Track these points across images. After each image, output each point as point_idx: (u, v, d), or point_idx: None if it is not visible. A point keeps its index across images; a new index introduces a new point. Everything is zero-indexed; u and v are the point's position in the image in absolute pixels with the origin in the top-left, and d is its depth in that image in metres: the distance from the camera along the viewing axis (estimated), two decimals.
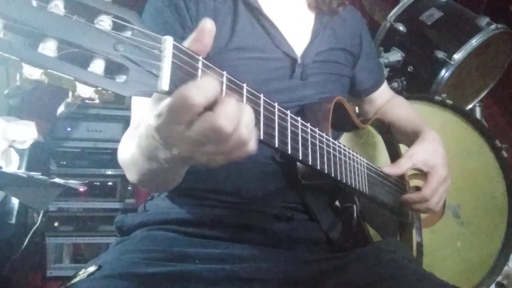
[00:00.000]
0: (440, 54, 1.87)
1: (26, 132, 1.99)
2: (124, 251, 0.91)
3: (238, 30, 1.04)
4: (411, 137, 1.25)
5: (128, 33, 0.49)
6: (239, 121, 0.57)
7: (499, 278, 1.81)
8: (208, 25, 0.57)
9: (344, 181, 0.96)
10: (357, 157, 1.04)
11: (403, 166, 1.16)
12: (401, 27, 2.01)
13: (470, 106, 2.19)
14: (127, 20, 0.49)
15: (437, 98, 1.68)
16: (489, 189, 1.70)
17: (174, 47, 0.53)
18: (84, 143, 2.27)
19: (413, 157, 1.16)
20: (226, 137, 0.57)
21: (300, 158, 0.80)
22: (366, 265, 0.94)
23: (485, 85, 2.20)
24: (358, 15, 1.33)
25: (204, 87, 0.53)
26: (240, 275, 0.88)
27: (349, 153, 0.99)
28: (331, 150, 0.91)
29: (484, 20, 1.91)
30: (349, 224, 1.07)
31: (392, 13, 2.06)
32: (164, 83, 0.52)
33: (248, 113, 0.59)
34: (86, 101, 0.46)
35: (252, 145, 0.62)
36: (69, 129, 2.26)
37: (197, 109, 0.54)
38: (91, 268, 0.83)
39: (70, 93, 0.45)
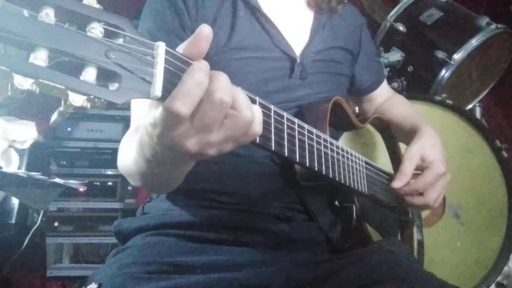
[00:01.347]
0: (440, 54, 1.87)
1: (26, 132, 2.00)
2: (123, 264, 0.90)
3: (238, 29, 1.04)
4: (409, 135, 1.23)
5: (120, 40, 0.49)
6: (234, 95, 0.57)
7: (499, 278, 1.80)
8: (205, 31, 0.56)
9: (343, 182, 0.96)
10: (355, 157, 1.03)
11: (408, 171, 1.12)
12: (401, 27, 2.00)
13: (470, 106, 2.19)
14: (119, 27, 0.49)
15: (437, 98, 1.67)
16: (489, 189, 1.70)
17: (167, 52, 0.53)
18: (84, 143, 2.27)
19: (413, 157, 1.13)
20: (227, 107, 0.56)
21: (297, 160, 0.79)
22: (367, 265, 0.94)
23: (485, 85, 2.19)
24: (357, 13, 1.32)
25: (187, 93, 0.53)
26: (242, 282, 0.87)
27: (347, 153, 0.99)
28: (329, 151, 0.91)
29: (484, 20, 1.90)
30: (348, 224, 1.07)
31: (392, 13, 2.06)
32: (157, 89, 0.52)
33: (241, 92, 0.60)
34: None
35: (257, 125, 0.62)
36: (69, 129, 2.25)
37: (187, 117, 0.54)
38: (92, 286, 0.83)
39: (62, 102, 0.44)
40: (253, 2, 1.06)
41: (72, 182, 1.62)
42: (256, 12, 1.07)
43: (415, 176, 1.16)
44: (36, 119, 2.08)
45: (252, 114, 0.59)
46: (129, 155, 0.79)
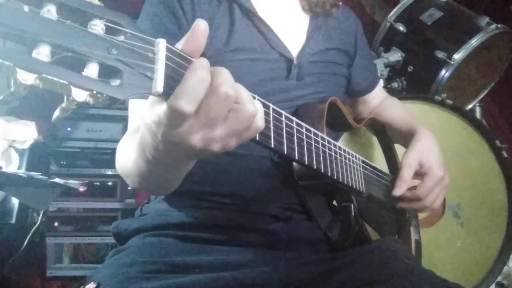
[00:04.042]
0: (440, 54, 1.87)
1: (26, 132, 1.99)
2: (122, 264, 0.91)
3: (235, 32, 1.05)
4: (406, 137, 1.24)
5: (121, 37, 0.50)
6: (237, 89, 0.58)
7: (499, 278, 1.80)
8: (201, 26, 0.57)
9: (341, 180, 0.97)
10: (352, 156, 1.04)
11: (407, 178, 1.13)
12: (401, 27, 2.01)
13: (470, 106, 2.19)
14: (119, 24, 0.49)
15: (437, 98, 1.68)
16: (489, 189, 1.70)
17: (168, 49, 0.54)
18: (84, 143, 2.26)
19: (412, 163, 1.15)
20: (231, 101, 0.57)
21: (296, 158, 0.80)
22: (366, 264, 0.95)
23: (485, 85, 2.20)
24: (352, 15, 1.33)
25: (191, 91, 0.54)
26: (242, 282, 0.88)
27: (344, 152, 1.00)
28: (327, 150, 0.92)
29: (484, 20, 1.91)
30: (347, 223, 1.07)
31: (392, 13, 2.07)
32: (159, 85, 0.52)
33: (243, 87, 0.60)
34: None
35: (259, 120, 0.62)
36: (69, 129, 2.25)
37: (192, 114, 0.55)
38: (91, 286, 0.83)
39: (65, 98, 0.45)
40: (248, 5, 1.07)
41: (72, 182, 1.62)
42: (251, 16, 1.08)
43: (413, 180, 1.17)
44: (36, 119, 2.07)
45: (255, 108, 0.60)
46: (128, 156, 0.79)
